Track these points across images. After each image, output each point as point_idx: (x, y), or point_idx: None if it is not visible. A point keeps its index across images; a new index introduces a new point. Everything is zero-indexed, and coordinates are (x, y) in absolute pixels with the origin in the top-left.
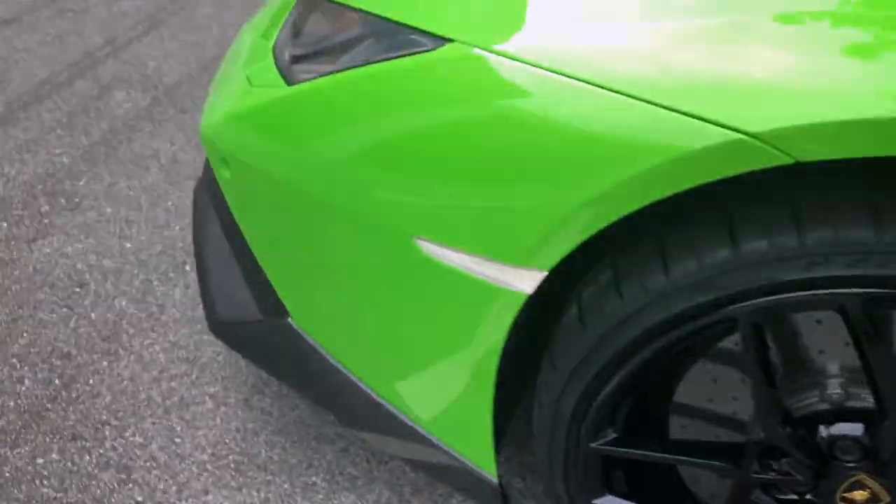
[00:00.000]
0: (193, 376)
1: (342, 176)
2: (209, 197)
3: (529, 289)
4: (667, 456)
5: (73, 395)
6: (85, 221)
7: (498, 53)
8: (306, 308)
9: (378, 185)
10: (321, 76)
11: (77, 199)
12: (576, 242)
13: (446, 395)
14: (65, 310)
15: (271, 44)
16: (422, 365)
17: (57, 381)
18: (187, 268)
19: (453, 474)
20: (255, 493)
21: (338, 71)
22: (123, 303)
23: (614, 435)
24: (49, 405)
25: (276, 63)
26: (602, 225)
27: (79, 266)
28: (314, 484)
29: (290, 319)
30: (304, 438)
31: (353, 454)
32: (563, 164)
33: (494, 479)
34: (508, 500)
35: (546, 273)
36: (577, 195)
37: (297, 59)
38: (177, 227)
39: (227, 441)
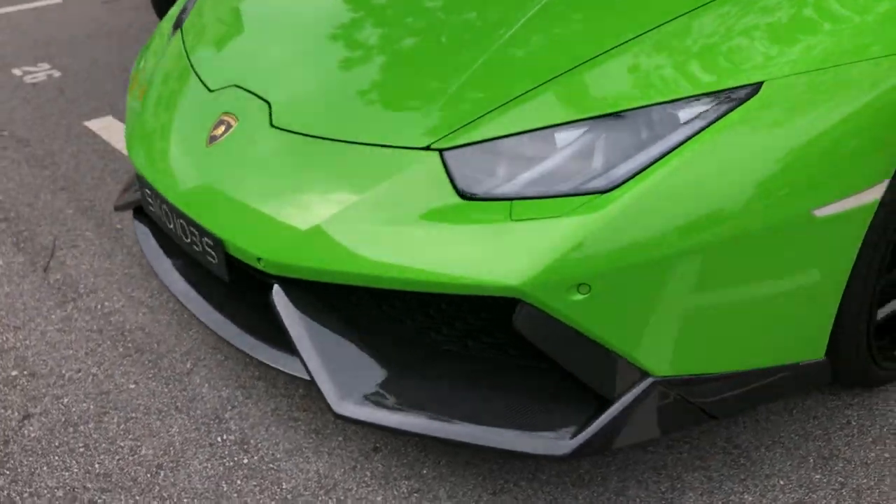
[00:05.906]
0: None
1: (770, 196)
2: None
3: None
4: None
5: None
6: None
7: None
8: (695, 341)
9: (796, 187)
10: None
11: None
12: None
13: (797, 322)
14: None
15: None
16: (791, 307)
17: None
18: None
19: (787, 382)
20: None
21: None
22: None
23: None
24: None
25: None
26: None
27: None
28: None
29: (650, 379)
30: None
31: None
32: None
33: (823, 357)
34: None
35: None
36: None
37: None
38: None
39: None
